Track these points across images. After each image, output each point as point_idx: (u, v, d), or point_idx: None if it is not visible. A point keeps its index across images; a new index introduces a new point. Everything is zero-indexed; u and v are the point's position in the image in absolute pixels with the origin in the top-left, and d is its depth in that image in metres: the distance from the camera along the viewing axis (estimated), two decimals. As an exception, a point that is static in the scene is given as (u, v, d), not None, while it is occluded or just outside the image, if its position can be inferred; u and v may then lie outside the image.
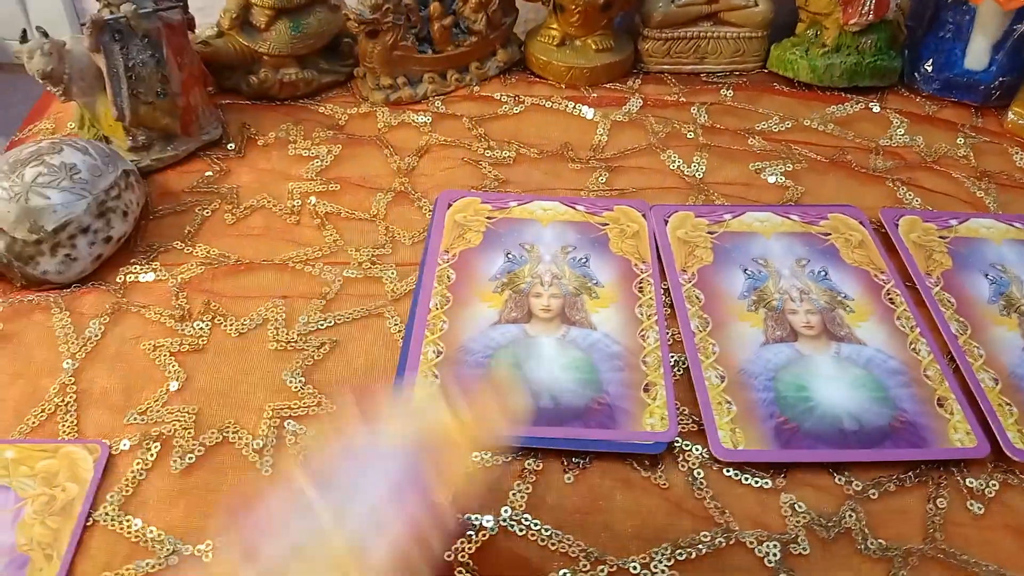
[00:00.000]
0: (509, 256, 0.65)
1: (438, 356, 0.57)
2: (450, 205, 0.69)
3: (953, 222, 0.70)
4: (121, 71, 0.68)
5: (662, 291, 0.62)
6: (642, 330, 0.59)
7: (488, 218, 0.68)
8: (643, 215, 0.69)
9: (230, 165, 0.75)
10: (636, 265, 0.64)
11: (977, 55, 0.84)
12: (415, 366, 0.56)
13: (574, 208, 0.69)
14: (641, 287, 0.62)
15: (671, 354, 0.58)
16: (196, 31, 0.78)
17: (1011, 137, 0.82)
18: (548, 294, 0.61)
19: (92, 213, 0.61)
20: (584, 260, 0.65)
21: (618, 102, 0.84)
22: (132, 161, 0.70)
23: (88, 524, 0.48)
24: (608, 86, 0.87)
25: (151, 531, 0.48)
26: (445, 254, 0.65)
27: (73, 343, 0.58)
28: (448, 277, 0.63)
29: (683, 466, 0.51)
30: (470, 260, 0.64)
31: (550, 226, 0.68)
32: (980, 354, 0.58)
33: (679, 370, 0.57)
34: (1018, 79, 0.84)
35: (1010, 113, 0.83)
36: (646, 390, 0.55)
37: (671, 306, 0.61)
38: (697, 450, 0.52)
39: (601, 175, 0.75)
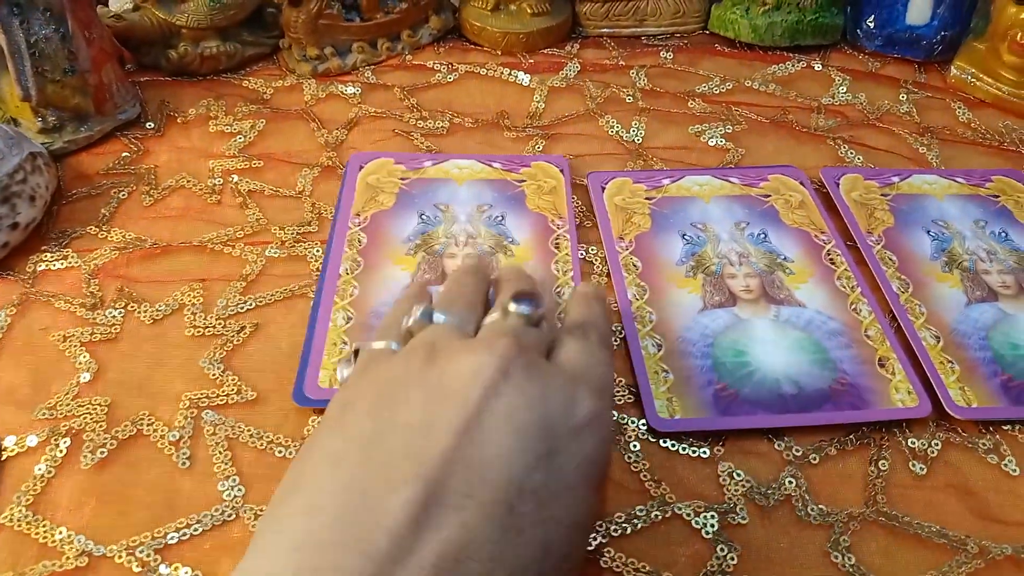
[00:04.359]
0: (423, 217, 0.62)
1: (348, 322, 0.54)
2: (362, 167, 0.67)
3: (895, 179, 0.68)
4: (23, 47, 0.64)
5: (579, 250, 0.61)
6: (558, 287, 0.57)
7: (401, 179, 0.66)
8: (560, 170, 0.67)
9: (148, 144, 0.71)
10: (552, 221, 0.63)
11: (919, 9, 0.82)
12: (323, 333, 0.53)
13: (490, 166, 0.67)
14: (557, 243, 0.61)
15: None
16: (109, 5, 0.74)
17: (954, 92, 0.81)
18: (463, 255, 0.59)
19: (-5, 199, 0.58)
20: (500, 218, 0.63)
21: (555, 67, 0.82)
22: (43, 144, 0.66)
23: (-9, 528, 0.45)
24: (545, 51, 0.84)
25: (60, 532, 0.45)
26: (356, 218, 0.62)
27: (-23, 337, 0.55)
28: (359, 241, 0.60)
29: (618, 439, 0.50)
30: (382, 223, 0.62)
31: (465, 185, 0.65)
32: (922, 311, 0.57)
33: (616, 340, 0.55)
34: (960, 33, 0.83)
35: (953, 68, 0.82)
36: (581, 362, 0.53)
37: (608, 275, 0.59)
38: (633, 422, 0.50)
39: (538, 143, 0.72)
